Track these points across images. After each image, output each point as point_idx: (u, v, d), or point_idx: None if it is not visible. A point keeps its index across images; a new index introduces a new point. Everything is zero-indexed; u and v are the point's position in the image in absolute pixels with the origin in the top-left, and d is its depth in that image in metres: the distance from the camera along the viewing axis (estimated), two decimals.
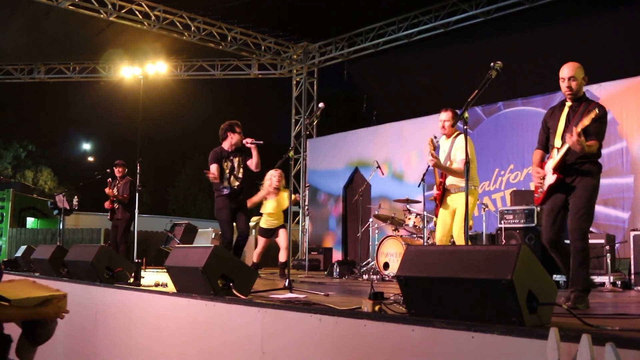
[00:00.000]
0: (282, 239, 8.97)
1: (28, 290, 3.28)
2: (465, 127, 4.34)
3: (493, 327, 2.73)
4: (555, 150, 4.76)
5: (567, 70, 4.82)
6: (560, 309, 3.09)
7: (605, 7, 11.25)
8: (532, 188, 6.93)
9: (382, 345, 3.17)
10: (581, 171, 4.65)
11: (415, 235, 9.31)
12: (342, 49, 15.60)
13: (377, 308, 3.45)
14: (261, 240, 9.20)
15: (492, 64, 4.45)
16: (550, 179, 4.73)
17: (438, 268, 3.13)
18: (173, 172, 40.37)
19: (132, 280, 6.19)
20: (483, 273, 2.91)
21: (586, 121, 4.47)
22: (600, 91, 9.82)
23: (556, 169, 4.69)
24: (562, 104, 4.92)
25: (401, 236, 9.15)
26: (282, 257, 9.01)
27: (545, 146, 4.99)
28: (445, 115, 6.68)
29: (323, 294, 5.27)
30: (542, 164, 4.92)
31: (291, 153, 6.06)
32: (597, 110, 4.47)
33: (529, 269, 2.89)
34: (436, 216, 6.77)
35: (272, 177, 9.02)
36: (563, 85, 4.81)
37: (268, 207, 9.07)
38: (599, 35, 11.43)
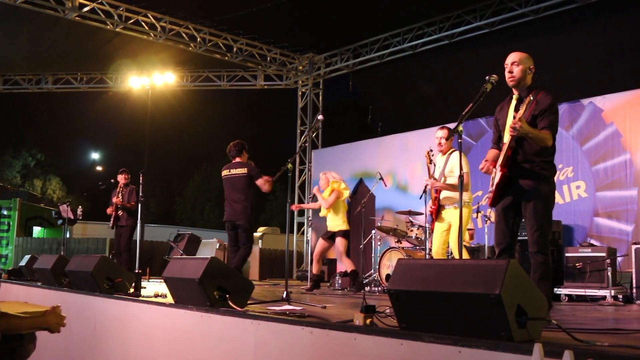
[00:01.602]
0: (336, 247, 8.74)
1: (25, 307, 3.39)
2: (459, 140, 4.32)
3: (479, 342, 2.72)
4: (503, 147, 4.56)
5: (511, 57, 4.66)
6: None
7: (609, 18, 11.24)
8: None
9: (371, 358, 3.17)
10: (534, 174, 4.46)
11: (417, 247, 9.29)
12: (347, 60, 15.65)
13: (368, 321, 3.44)
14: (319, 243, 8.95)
15: (487, 77, 4.45)
16: (497, 176, 4.53)
17: (428, 282, 3.12)
18: (181, 181, 40.51)
19: (132, 290, 6.22)
20: (472, 287, 2.90)
21: (525, 110, 4.30)
22: (604, 103, 9.80)
23: (502, 165, 4.48)
24: (510, 98, 4.75)
25: (403, 248, 9.14)
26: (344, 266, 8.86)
27: (499, 145, 4.81)
28: (441, 133, 6.81)
29: (320, 306, 5.28)
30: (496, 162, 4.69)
31: (289, 165, 6.08)
32: (532, 97, 4.31)
33: (518, 283, 2.88)
34: (432, 231, 6.81)
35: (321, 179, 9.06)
36: (505, 73, 4.64)
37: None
38: (603, 46, 11.41)
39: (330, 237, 8.72)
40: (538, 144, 4.42)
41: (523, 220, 4.59)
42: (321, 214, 8.97)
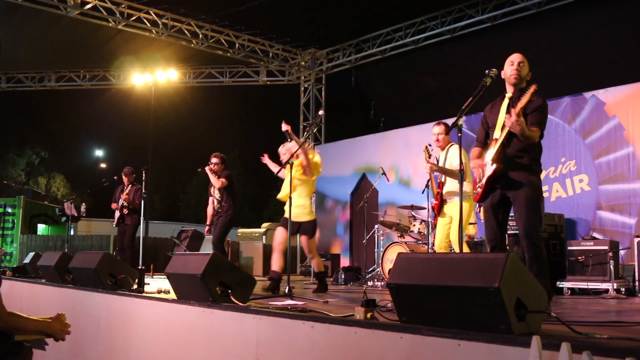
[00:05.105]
0: (306, 244, 7.04)
1: (32, 316, 3.50)
2: (459, 134, 4.33)
3: (479, 335, 2.74)
4: (494, 143, 4.60)
5: (517, 56, 4.71)
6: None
7: (612, 11, 11.18)
8: None
9: (372, 352, 3.18)
10: (524, 167, 4.50)
11: (420, 242, 9.30)
12: (349, 55, 15.62)
13: (368, 315, 3.46)
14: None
15: (486, 71, 4.46)
16: (489, 169, 4.54)
17: (428, 276, 3.14)
18: (185, 178, 40.54)
19: (135, 286, 6.25)
20: (471, 281, 2.91)
21: (524, 99, 4.36)
22: (606, 96, 9.77)
23: (495, 159, 4.51)
24: (502, 97, 4.78)
25: (406, 242, 9.15)
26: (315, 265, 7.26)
27: (484, 143, 4.83)
28: (438, 129, 6.81)
29: (322, 300, 5.30)
30: (482, 160, 4.72)
31: (292, 160, 6.09)
32: (532, 91, 4.36)
33: (517, 276, 2.89)
34: (434, 226, 6.82)
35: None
36: (511, 68, 4.67)
37: None
38: (606, 39, 11.38)
39: (297, 230, 6.90)
40: (527, 141, 4.46)
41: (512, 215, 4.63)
42: (279, 197, 6.94)
